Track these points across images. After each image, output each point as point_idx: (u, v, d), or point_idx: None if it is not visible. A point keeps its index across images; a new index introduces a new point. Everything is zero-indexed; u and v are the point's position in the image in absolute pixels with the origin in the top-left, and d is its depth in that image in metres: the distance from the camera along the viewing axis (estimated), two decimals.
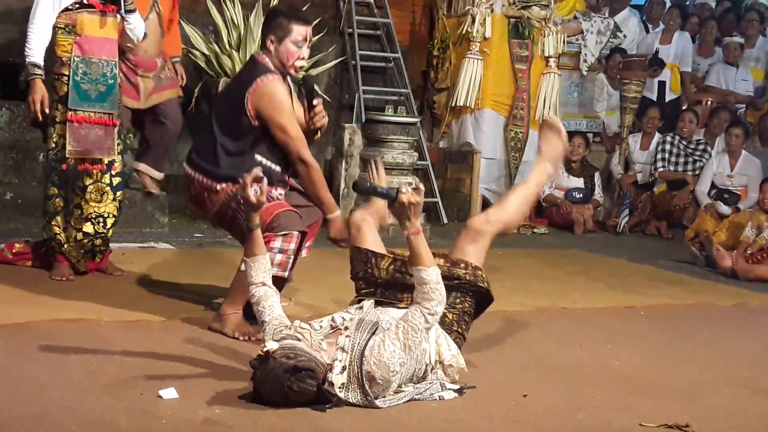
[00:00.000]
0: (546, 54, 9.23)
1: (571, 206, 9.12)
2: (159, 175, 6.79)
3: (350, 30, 8.95)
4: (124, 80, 6.21)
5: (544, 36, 9.22)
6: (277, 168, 4.61)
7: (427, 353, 3.77)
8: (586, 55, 9.98)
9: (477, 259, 4.15)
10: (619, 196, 9.55)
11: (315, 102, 4.64)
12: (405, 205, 3.67)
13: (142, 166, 6.75)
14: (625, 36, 10.35)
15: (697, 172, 9.15)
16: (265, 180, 3.94)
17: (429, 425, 3.54)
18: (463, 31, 9.07)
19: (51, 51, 5.26)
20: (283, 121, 4.51)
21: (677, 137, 9.32)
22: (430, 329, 3.73)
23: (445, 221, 8.64)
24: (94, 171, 5.35)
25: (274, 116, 4.50)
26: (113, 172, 5.42)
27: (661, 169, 9.31)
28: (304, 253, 4.76)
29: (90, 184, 5.36)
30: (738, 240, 7.69)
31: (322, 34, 8.30)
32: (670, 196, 9.20)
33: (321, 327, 3.76)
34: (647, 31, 10.83)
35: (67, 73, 5.22)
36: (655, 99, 10.15)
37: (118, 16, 5.32)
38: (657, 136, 9.54)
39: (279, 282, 4.59)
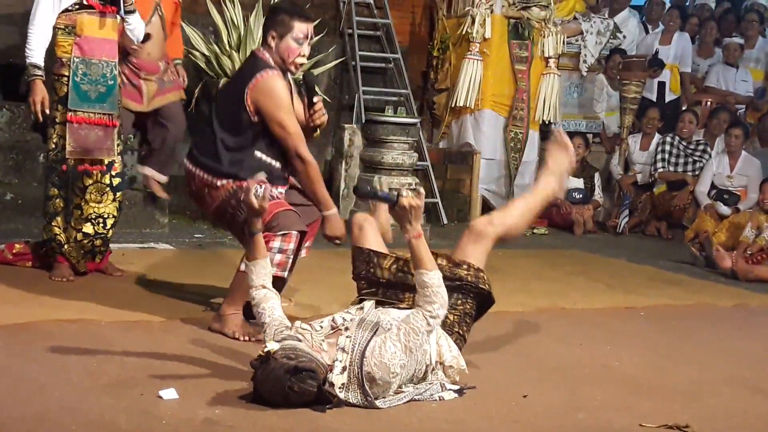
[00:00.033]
0: (546, 55, 9.23)
1: (571, 207, 9.12)
2: (163, 179, 6.77)
3: (350, 31, 8.95)
4: (127, 83, 6.21)
5: (544, 37, 9.22)
6: (277, 164, 4.60)
7: (427, 354, 3.77)
8: (585, 55, 9.98)
9: (479, 261, 4.15)
10: (619, 197, 9.56)
11: (315, 99, 4.64)
12: (406, 209, 3.68)
13: (147, 170, 6.72)
14: (624, 37, 10.36)
15: (696, 173, 9.15)
16: (268, 186, 3.94)
17: (429, 426, 3.54)
18: (463, 32, 9.07)
19: (51, 52, 5.26)
20: (282, 117, 4.51)
21: (677, 138, 9.32)
22: (431, 332, 3.74)
23: (445, 222, 8.64)
24: (94, 171, 5.35)
25: (273, 112, 4.50)
26: (113, 173, 5.42)
27: (661, 170, 9.31)
28: (303, 253, 4.76)
29: (90, 185, 5.36)
30: (738, 240, 7.69)
31: (322, 35, 8.29)
32: (669, 196, 9.20)
33: (321, 327, 3.76)
34: (647, 32, 10.83)
35: (66, 73, 5.23)
36: (654, 100, 10.15)
37: (118, 17, 5.32)
38: (657, 137, 9.54)
39: (278, 282, 4.60)
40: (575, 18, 10.00)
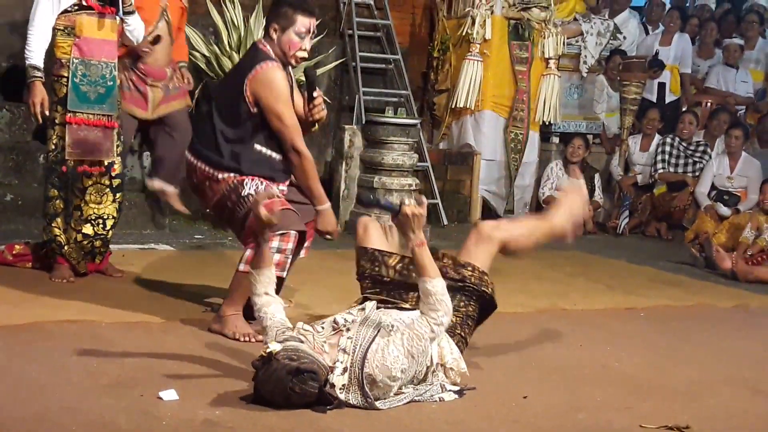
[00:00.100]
0: (546, 56, 9.23)
1: None
2: (173, 190, 6.65)
3: (350, 31, 8.95)
4: (133, 89, 6.20)
5: (544, 38, 9.22)
6: (277, 156, 4.59)
7: (428, 355, 3.77)
8: (585, 56, 9.98)
9: (483, 264, 4.15)
10: (619, 198, 9.55)
11: (315, 94, 4.64)
12: (408, 218, 3.69)
13: (157, 183, 6.64)
14: (624, 37, 10.35)
15: (696, 174, 9.15)
16: (279, 201, 3.95)
17: (429, 426, 3.54)
18: (463, 33, 9.06)
19: (50, 53, 5.27)
20: (280, 109, 4.50)
21: (677, 139, 9.32)
22: (435, 339, 3.74)
23: (445, 223, 8.64)
24: (94, 172, 5.35)
25: (271, 103, 4.49)
26: (113, 174, 5.43)
27: (661, 171, 9.31)
28: (302, 253, 4.76)
29: (90, 186, 5.37)
30: (738, 241, 7.69)
31: (322, 36, 8.29)
32: (670, 197, 9.20)
33: (323, 329, 3.77)
34: (647, 33, 10.83)
35: (66, 74, 5.23)
36: (654, 100, 10.14)
37: (117, 18, 5.32)
38: (657, 138, 9.54)
39: (277, 282, 4.60)
40: (575, 19, 9.99)
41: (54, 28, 5.22)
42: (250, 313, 4.60)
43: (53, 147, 5.32)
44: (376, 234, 4.25)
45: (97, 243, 5.45)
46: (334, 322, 3.80)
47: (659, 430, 3.65)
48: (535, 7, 9.18)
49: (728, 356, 4.95)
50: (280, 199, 4.53)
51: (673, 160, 9.30)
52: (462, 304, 4.04)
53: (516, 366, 4.41)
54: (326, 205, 4.69)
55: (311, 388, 3.45)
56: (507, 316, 5.20)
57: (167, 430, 3.29)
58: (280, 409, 3.47)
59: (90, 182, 5.37)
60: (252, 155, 4.53)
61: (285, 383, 3.42)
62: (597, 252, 8.07)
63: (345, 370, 3.60)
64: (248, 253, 4.47)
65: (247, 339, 4.44)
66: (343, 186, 8.06)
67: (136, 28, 5.46)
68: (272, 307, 3.84)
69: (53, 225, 5.38)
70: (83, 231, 5.39)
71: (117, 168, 5.44)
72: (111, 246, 5.64)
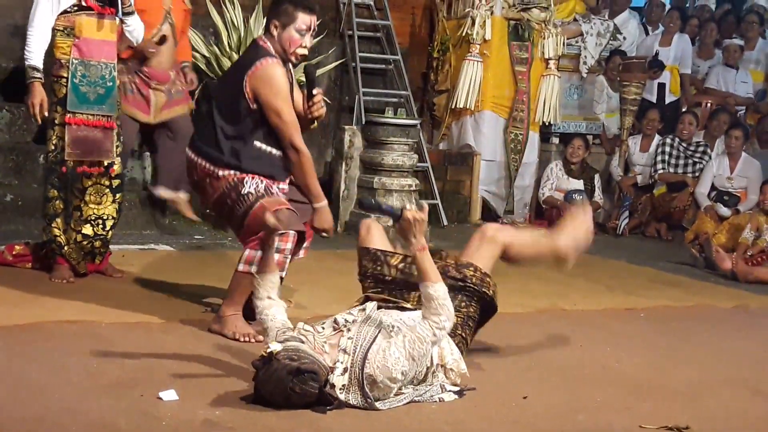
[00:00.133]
0: (546, 56, 9.23)
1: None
2: (183, 197, 6.56)
3: (350, 32, 8.95)
4: (136, 92, 6.19)
5: (544, 38, 9.22)
6: (277, 153, 4.59)
7: (428, 356, 3.78)
8: (585, 57, 9.98)
9: (485, 264, 4.16)
10: (619, 198, 9.55)
11: (315, 91, 4.64)
12: (410, 223, 3.71)
13: (162, 191, 6.59)
14: (624, 38, 10.35)
15: (696, 174, 9.15)
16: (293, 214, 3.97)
17: (429, 427, 3.54)
18: (463, 33, 9.06)
19: (50, 53, 5.26)
20: (279, 105, 4.50)
21: (677, 139, 9.32)
22: (437, 343, 3.74)
23: (445, 223, 8.64)
24: (93, 173, 5.35)
25: (270, 99, 4.49)
26: (112, 174, 5.43)
27: (661, 171, 9.31)
28: (301, 253, 4.76)
29: (89, 186, 5.37)
30: (738, 242, 7.69)
31: (322, 37, 8.30)
32: (669, 198, 9.20)
33: (323, 329, 3.77)
34: (647, 33, 10.83)
35: (65, 75, 5.23)
36: (654, 101, 10.14)
37: (117, 18, 5.31)
38: (657, 138, 9.54)
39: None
40: (575, 19, 10.00)
41: (53, 29, 5.22)
42: (249, 313, 4.61)
43: (53, 147, 5.32)
44: (379, 235, 4.26)
45: (97, 243, 5.45)
46: (335, 322, 3.80)
47: (659, 430, 3.65)
48: (535, 7, 9.18)
49: (728, 357, 4.95)
50: (278, 198, 4.53)
51: (673, 161, 9.30)
52: (463, 304, 4.04)
53: (516, 366, 4.41)
54: (323, 203, 4.70)
55: (311, 388, 3.45)
56: (507, 317, 5.20)
57: (167, 431, 3.29)
58: (280, 409, 3.47)
59: (89, 183, 5.37)
60: (252, 152, 4.53)
61: (285, 383, 3.42)
62: (597, 252, 8.04)
63: (345, 370, 3.60)
64: (247, 253, 4.47)
65: (247, 339, 4.44)
66: (343, 186, 8.06)
67: (135, 28, 5.46)
68: (274, 310, 3.84)
69: (53, 225, 5.38)
70: (83, 231, 5.39)
71: (116, 168, 5.44)
72: (111, 246, 5.64)
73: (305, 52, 4.64)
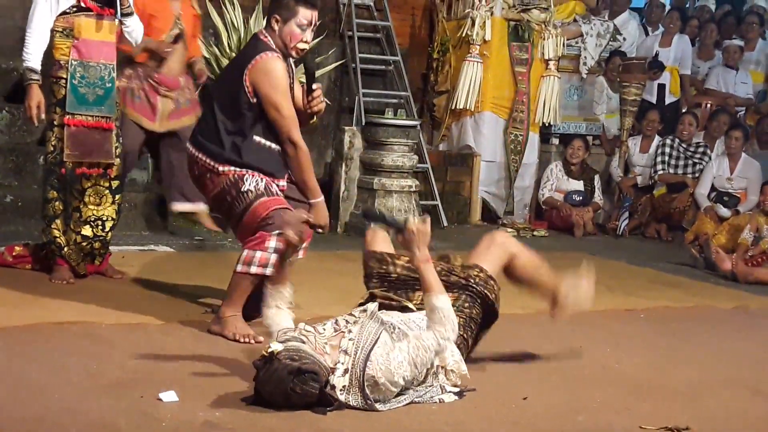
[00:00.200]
0: (546, 57, 9.24)
1: (570, 209, 9.12)
2: (203, 208, 6.44)
3: (350, 33, 8.95)
4: (143, 98, 6.19)
5: (544, 39, 9.22)
6: (277, 148, 4.58)
7: (430, 363, 3.78)
8: (585, 58, 9.99)
9: (491, 268, 4.16)
10: (619, 199, 9.56)
11: (314, 86, 4.64)
12: (413, 234, 3.73)
13: (180, 206, 6.50)
14: (624, 39, 10.36)
15: (696, 175, 9.15)
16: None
17: (429, 428, 3.54)
18: (463, 34, 9.07)
19: (49, 54, 5.26)
20: (278, 99, 4.49)
21: (677, 140, 9.33)
22: (441, 353, 3.75)
23: (445, 224, 8.64)
24: (92, 174, 5.35)
25: (269, 93, 4.48)
26: (111, 176, 5.43)
27: (661, 172, 9.31)
28: (300, 254, 4.76)
29: (88, 187, 5.37)
30: (738, 243, 7.69)
31: (322, 37, 8.30)
32: (669, 198, 9.20)
33: (324, 330, 3.77)
34: (647, 34, 10.83)
35: (64, 76, 5.23)
36: (654, 102, 10.14)
37: (116, 19, 5.31)
38: (657, 139, 9.54)
39: None
40: (575, 20, 10.01)
41: (52, 30, 5.22)
42: (249, 314, 4.61)
43: (52, 149, 5.32)
44: (384, 239, 4.29)
45: (97, 244, 5.45)
46: (336, 323, 3.80)
47: (659, 431, 3.65)
48: (535, 8, 9.19)
49: (728, 357, 4.95)
50: (278, 197, 4.51)
51: (672, 162, 9.30)
52: (467, 305, 4.04)
53: (516, 367, 4.41)
54: (320, 199, 4.69)
55: (312, 388, 3.45)
56: (507, 317, 5.18)
57: None
58: (281, 409, 3.47)
59: (89, 184, 5.37)
60: (252, 146, 4.52)
61: (286, 383, 3.42)
62: (597, 253, 8.07)
63: (346, 371, 3.60)
64: (246, 253, 4.47)
65: (247, 340, 4.43)
66: (342, 187, 8.06)
67: (134, 29, 5.45)
68: (279, 317, 3.84)
69: (52, 226, 5.38)
70: (82, 232, 5.39)
71: (116, 170, 5.44)
72: (111, 247, 5.64)
73: (306, 46, 4.64)
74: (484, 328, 4.22)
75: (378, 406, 3.60)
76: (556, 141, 9.86)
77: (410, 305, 3.98)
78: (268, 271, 4.43)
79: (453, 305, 3.92)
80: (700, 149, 9.30)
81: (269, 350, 3.46)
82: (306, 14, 4.54)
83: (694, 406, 4.02)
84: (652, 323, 5.59)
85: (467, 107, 9.03)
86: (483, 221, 9.15)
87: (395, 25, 9.24)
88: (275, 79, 4.48)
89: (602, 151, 10.21)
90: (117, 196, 5.48)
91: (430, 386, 3.78)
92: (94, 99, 5.29)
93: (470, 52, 9.00)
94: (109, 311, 4.82)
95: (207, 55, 7.83)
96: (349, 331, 3.72)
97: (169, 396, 3.55)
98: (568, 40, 9.56)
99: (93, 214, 5.39)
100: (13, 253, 5.60)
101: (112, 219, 5.47)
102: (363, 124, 8.14)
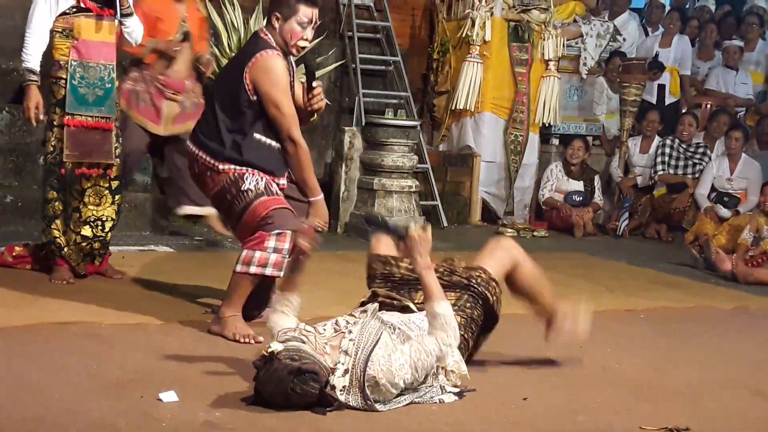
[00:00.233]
0: (546, 57, 9.24)
1: (570, 209, 9.12)
2: (209, 211, 6.39)
3: (350, 33, 8.95)
4: (149, 103, 6.19)
5: (544, 39, 9.22)
6: (277, 145, 4.59)
7: (431, 368, 3.78)
8: (585, 58, 9.99)
9: (494, 271, 4.15)
10: (619, 199, 9.56)
11: (314, 84, 4.64)
12: (415, 242, 3.77)
13: (188, 209, 6.50)
14: (624, 39, 10.35)
15: (696, 176, 9.15)
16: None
17: (429, 428, 3.54)
18: (463, 35, 9.07)
19: (48, 55, 5.26)
20: (278, 97, 4.49)
21: (677, 140, 9.33)
22: (442, 360, 3.75)
23: (445, 224, 8.64)
24: (92, 175, 5.35)
25: (270, 91, 4.48)
26: (111, 176, 5.43)
27: (661, 173, 9.31)
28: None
29: (88, 188, 5.37)
30: (738, 243, 7.69)
31: (322, 38, 8.30)
32: (669, 199, 9.20)
33: (325, 330, 3.77)
34: (647, 35, 10.83)
35: (64, 76, 5.23)
36: (654, 102, 10.14)
37: (116, 20, 5.31)
38: (657, 140, 9.54)
39: (274, 282, 4.61)
40: (575, 21, 10.00)
41: (52, 31, 5.21)
42: (249, 314, 4.61)
43: (51, 149, 5.32)
44: (387, 244, 4.31)
45: (96, 245, 5.45)
46: (336, 323, 3.81)
47: (659, 431, 3.64)
48: (535, 8, 9.19)
49: (728, 358, 4.95)
50: (277, 197, 4.51)
51: (672, 162, 9.30)
52: (468, 305, 4.04)
53: (516, 367, 4.40)
54: (319, 197, 4.70)
55: (312, 388, 3.45)
56: (508, 317, 5.18)
57: None
58: (281, 409, 3.47)
59: (88, 184, 5.37)
60: (252, 144, 4.52)
61: (286, 383, 3.42)
62: (597, 253, 8.07)
63: (346, 371, 3.60)
64: (245, 254, 4.47)
65: (247, 340, 4.43)
66: (343, 188, 8.06)
67: (134, 29, 5.45)
68: (282, 320, 3.84)
69: (52, 227, 5.38)
70: (82, 233, 5.39)
71: (115, 170, 5.44)
72: (111, 247, 5.64)
73: (307, 44, 4.65)
74: (485, 332, 4.21)
75: (378, 406, 3.60)
76: (556, 141, 9.86)
77: (412, 305, 3.99)
78: (268, 271, 4.43)
79: (454, 305, 3.93)
80: (700, 150, 9.30)
81: (269, 350, 3.46)
82: (307, 12, 4.55)
83: (694, 407, 4.02)
84: (652, 324, 5.59)
85: (467, 108, 9.03)
86: (483, 222, 9.15)
87: (395, 26, 9.24)
88: (275, 76, 4.49)
89: (602, 152, 10.20)
90: (117, 197, 5.48)
91: (430, 386, 3.78)
92: (94, 99, 5.29)
93: (470, 53, 9.00)
94: (109, 311, 4.82)
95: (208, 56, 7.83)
96: (350, 332, 3.72)
97: (169, 396, 3.55)
98: (568, 40, 9.56)
99: (92, 215, 5.39)
100: (13, 254, 5.60)
101: (112, 219, 5.47)
102: (363, 124, 8.14)
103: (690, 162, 9.26)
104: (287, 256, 4.48)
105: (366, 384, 3.57)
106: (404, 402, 3.68)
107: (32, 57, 5.21)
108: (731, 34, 10.87)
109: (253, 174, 4.49)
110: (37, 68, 5.23)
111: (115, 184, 5.45)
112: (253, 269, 4.44)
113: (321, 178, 7.90)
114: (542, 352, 4.72)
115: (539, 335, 5.00)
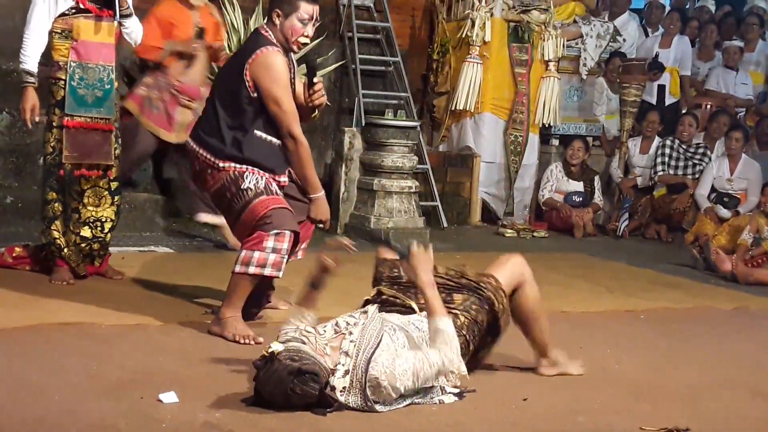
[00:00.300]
0: (546, 58, 9.24)
1: (570, 210, 9.12)
2: (224, 221, 6.46)
3: (350, 34, 8.95)
4: (162, 110, 6.18)
5: (544, 40, 9.23)
6: (277, 142, 4.59)
7: (430, 380, 3.78)
8: (585, 59, 9.99)
9: (504, 282, 4.14)
10: (619, 200, 9.56)
11: (315, 80, 4.64)
12: (417, 260, 3.82)
13: (203, 217, 6.52)
14: (624, 40, 10.36)
15: (696, 176, 9.15)
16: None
17: (429, 429, 3.54)
18: (463, 35, 9.07)
19: (48, 56, 5.26)
20: (278, 93, 4.49)
21: (677, 141, 9.33)
22: (443, 373, 3.75)
23: (445, 225, 8.63)
24: (91, 176, 5.35)
25: (270, 87, 4.49)
26: (110, 177, 5.43)
27: (661, 173, 9.31)
28: (299, 255, 4.76)
29: (87, 189, 5.37)
30: (737, 243, 7.69)
31: (322, 38, 8.30)
32: (669, 199, 9.20)
33: (325, 331, 3.77)
34: (647, 35, 10.83)
35: (63, 77, 5.23)
36: (654, 103, 10.14)
37: (115, 20, 5.31)
38: (657, 140, 9.55)
39: (272, 281, 4.60)
40: (575, 21, 10.01)
41: (51, 32, 5.21)
42: (249, 315, 4.61)
43: (51, 150, 5.32)
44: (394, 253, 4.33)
45: (96, 246, 5.45)
46: (336, 325, 3.81)
47: (659, 431, 3.65)
48: (535, 9, 9.19)
49: (728, 358, 4.95)
50: (277, 196, 4.51)
51: (672, 163, 9.30)
52: (474, 306, 4.03)
53: (516, 369, 4.40)
54: (320, 194, 4.70)
55: (312, 389, 3.45)
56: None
57: None
58: (281, 410, 3.47)
59: (88, 185, 5.37)
60: (253, 141, 4.52)
61: (286, 383, 3.42)
62: (597, 254, 8.07)
63: (346, 372, 3.60)
64: (243, 254, 4.47)
65: (247, 341, 4.43)
66: (342, 188, 8.06)
67: (134, 30, 5.45)
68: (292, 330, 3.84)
69: (52, 228, 5.38)
70: (81, 234, 5.39)
71: (115, 171, 5.44)
72: (111, 248, 5.64)
73: (307, 41, 4.65)
74: (486, 345, 4.17)
75: (378, 407, 3.59)
76: (556, 142, 9.86)
77: (414, 305, 3.99)
78: (267, 271, 4.43)
79: (461, 305, 3.96)
80: (700, 150, 9.30)
81: (269, 350, 3.46)
82: (307, 8, 4.55)
83: (694, 407, 4.02)
84: (652, 324, 5.58)
85: (467, 108, 9.04)
86: (483, 222, 9.15)
87: (395, 26, 9.24)
88: (276, 73, 4.49)
89: (602, 152, 10.20)
90: (116, 198, 5.48)
91: (430, 387, 3.78)
92: (93, 100, 5.29)
93: (470, 53, 9.00)
94: (109, 312, 4.82)
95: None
96: (350, 333, 3.72)
97: (169, 397, 3.55)
98: (567, 41, 9.56)
99: (92, 216, 5.39)
100: (13, 254, 5.60)
101: (111, 220, 5.47)
102: (363, 125, 8.14)
103: (690, 162, 9.26)
104: (286, 256, 4.48)
105: (368, 384, 3.57)
106: (404, 403, 3.67)
107: (30, 59, 5.21)
108: (731, 35, 10.87)
109: (253, 172, 4.49)
110: (35, 70, 5.22)
111: (114, 185, 5.45)
112: (251, 269, 4.44)
113: (321, 178, 7.86)
114: None
115: None
